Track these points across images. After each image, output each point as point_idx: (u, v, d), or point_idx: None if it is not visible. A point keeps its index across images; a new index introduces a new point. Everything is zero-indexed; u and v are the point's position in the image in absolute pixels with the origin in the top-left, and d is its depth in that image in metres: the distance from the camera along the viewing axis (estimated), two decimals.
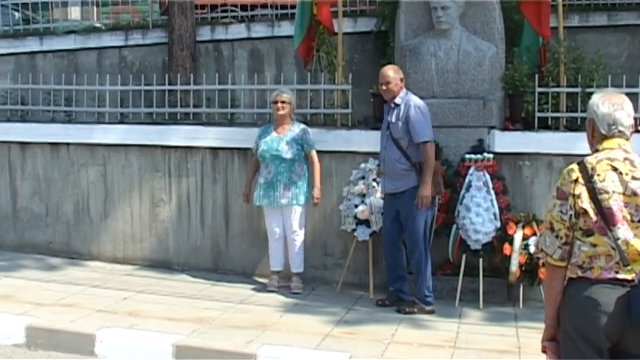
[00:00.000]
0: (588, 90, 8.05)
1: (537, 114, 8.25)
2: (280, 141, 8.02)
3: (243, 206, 8.77)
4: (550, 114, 8.29)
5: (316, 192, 8.02)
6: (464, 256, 7.77)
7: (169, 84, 9.71)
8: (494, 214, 7.68)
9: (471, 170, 7.83)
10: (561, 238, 3.80)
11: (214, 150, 8.94)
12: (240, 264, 8.87)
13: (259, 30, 11.28)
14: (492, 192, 7.75)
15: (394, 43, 9.04)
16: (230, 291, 8.14)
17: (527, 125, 8.31)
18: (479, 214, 7.67)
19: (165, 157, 9.10)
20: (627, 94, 8.21)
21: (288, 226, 8.09)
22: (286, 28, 10.79)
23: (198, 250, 9.06)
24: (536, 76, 8.31)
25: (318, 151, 8.17)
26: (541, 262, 7.07)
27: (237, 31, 11.33)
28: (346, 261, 8.27)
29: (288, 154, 7.97)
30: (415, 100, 7.55)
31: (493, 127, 8.21)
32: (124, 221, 9.26)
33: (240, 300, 7.78)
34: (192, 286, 8.35)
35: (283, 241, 8.21)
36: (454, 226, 7.80)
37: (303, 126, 8.20)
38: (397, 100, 7.46)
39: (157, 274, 8.81)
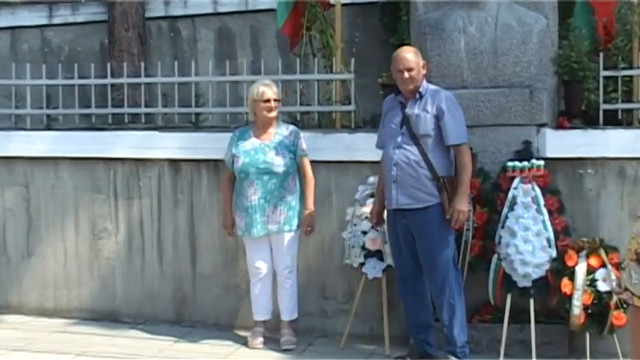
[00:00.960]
0: None
1: (603, 106, 8.20)
2: (267, 149, 7.98)
3: (215, 236, 8.78)
4: (620, 105, 8.23)
5: (308, 216, 8.02)
6: (509, 297, 7.72)
7: (112, 76, 9.64)
8: (548, 240, 7.63)
9: (516, 182, 7.76)
10: None
11: (175, 162, 8.95)
12: (213, 313, 8.83)
13: (229, 3, 11.35)
14: (544, 211, 7.69)
15: (409, 17, 9.00)
16: (200, 349, 8.10)
17: (590, 121, 8.29)
18: (527, 241, 7.59)
19: (110, 172, 9.09)
20: None
21: (280, 260, 8.03)
22: (265, 1, 10.85)
23: (156, 295, 9.02)
24: (601, 54, 8.23)
25: (311, 162, 8.18)
26: (613, 302, 7.09)
27: (200, 3, 11.42)
28: (352, 306, 8.24)
29: (279, 167, 7.92)
30: (443, 90, 7.56)
31: (543, 125, 8.15)
32: (55, 260, 9.21)
33: None
34: (148, 343, 8.28)
35: (271, 281, 8.14)
36: (495, 257, 7.76)
37: (292, 127, 8.20)
38: (421, 90, 7.41)
39: (100, 330, 8.73)
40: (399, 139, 7.35)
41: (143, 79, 9.53)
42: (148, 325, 8.80)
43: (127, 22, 10.79)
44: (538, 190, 7.72)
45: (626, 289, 3.80)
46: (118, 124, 9.35)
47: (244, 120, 8.87)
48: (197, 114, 9.29)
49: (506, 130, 8.17)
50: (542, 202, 7.69)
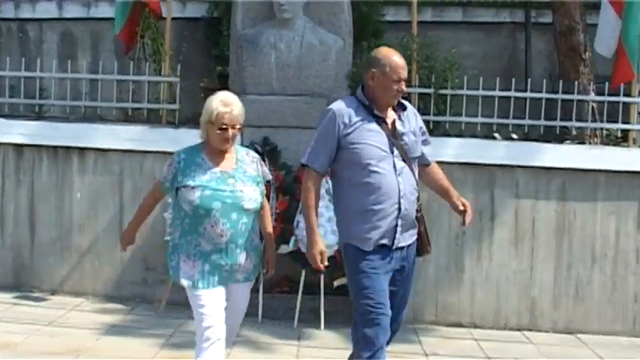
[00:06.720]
0: (441, 91, 8.59)
1: None
2: (232, 180, 5.36)
3: (52, 213, 8.82)
4: None
5: (272, 254, 5.71)
6: (303, 272, 7.99)
7: None
8: None
9: None
10: None
11: (18, 147, 8.87)
12: (48, 280, 8.81)
13: (72, 9, 11.09)
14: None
15: (229, 32, 9.23)
16: (36, 311, 8.06)
17: None
18: (320, 225, 7.75)
19: None
20: (484, 97, 8.80)
21: (237, 314, 5.60)
22: (104, 9, 10.71)
23: None
24: None
25: (141, 152, 8.28)
26: None
27: (46, 9, 11.10)
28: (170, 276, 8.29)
29: (251, 202, 5.39)
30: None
31: None
32: None
33: (49, 322, 7.73)
34: None
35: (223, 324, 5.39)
36: (293, 238, 8.02)
37: (252, 152, 5.66)
38: (404, 102, 5.60)
39: None
40: (396, 162, 5.30)
41: None
42: None
43: None
44: (330, 183, 7.90)
45: None
46: None
47: (82, 113, 8.98)
48: (40, 105, 9.22)
49: (307, 132, 8.12)
50: (332, 193, 7.97)
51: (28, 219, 8.88)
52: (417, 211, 5.39)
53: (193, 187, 5.22)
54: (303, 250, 7.77)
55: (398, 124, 5.34)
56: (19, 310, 8.13)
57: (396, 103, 5.39)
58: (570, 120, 8.70)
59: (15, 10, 11.11)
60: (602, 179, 8.47)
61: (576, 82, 8.90)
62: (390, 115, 5.37)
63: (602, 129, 8.99)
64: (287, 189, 8.26)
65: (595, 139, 8.97)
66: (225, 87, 8.44)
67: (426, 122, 8.41)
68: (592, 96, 9.01)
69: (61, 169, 8.73)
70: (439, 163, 5.81)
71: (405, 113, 5.43)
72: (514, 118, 8.68)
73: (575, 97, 8.75)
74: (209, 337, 5.21)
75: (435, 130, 8.46)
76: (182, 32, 10.45)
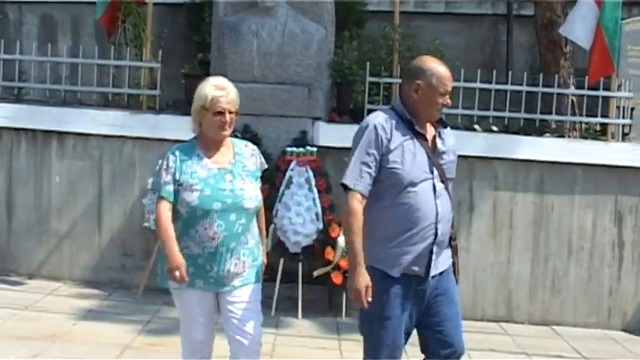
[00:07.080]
0: None
1: (367, 106, 8.54)
2: (230, 176, 4.91)
3: (30, 197, 8.79)
4: (381, 106, 8.33)
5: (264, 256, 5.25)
6: (282, 260, 8.01)
7: None
8: (317, 215, 7.98)
9: (292, 165, 8.10)
10: None
11: None
12: (25, 264, 8.81)
13: None
14: (315, 190, 8.03)
15: (211, 18, 9.20)
16: (12, 295, 8.06)
17: (356, 118, 8.51)
18: (299, 214, 7.95)
19: None
20: (465, 89, 8.82)
21: (239, 320, 4.93)
22: None
23: None
24: (368, 64, 8.65)
25: (121, 137, 8.20)
26: None
27: None
28: (149, 263, 8.26)
29: (252, 201, 4.95)
30: None
31: (318, 119, 8.54)
32: None
33: (25, 306, 7.72)
34: None
35: (210, 337, 5.13)
36: (272, 227, 7.96)
37: (251, 144, 5.18)
38: (444, 118, 5.06)
39: None
40: (435, 184, 4.75)
41: None
42: None
43: None
44: (310, 173, 8.08)
45: None
46: None
47: (62, 97, 8.95)
48: (20, 88, 9.20)
49: (287, 121, 8.50)
50: (313, 182, 8.05)
51: (5, 202, 8.88)
52: (452, 239, 4.86)
53: (192, 186, 4.76)
54: (282, 238, 7.85)
55: (438, 142, 4.80)
56: None
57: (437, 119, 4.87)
58: (550, 113, 8.76)
59: None
60: (580, 172, 8.52)
61: (556, 76, 8.95)
62: (430, 131, 4.81)
63: (581, 122, 9.04)
64: (267, 177, 8.18)
65: (574, 133, 9.02)
66: (206, 74, 8.42)
67: None
68: (572, 89, 9.05)
69: (39, 153, 8.72)
70: None
71: (445, 131, 4.88)
72: (494, 110, 8.74)
73: (555, 90, 8.79)
74: (189, 350, 5.00)
75: None
76: (164, 18, 10.41)
